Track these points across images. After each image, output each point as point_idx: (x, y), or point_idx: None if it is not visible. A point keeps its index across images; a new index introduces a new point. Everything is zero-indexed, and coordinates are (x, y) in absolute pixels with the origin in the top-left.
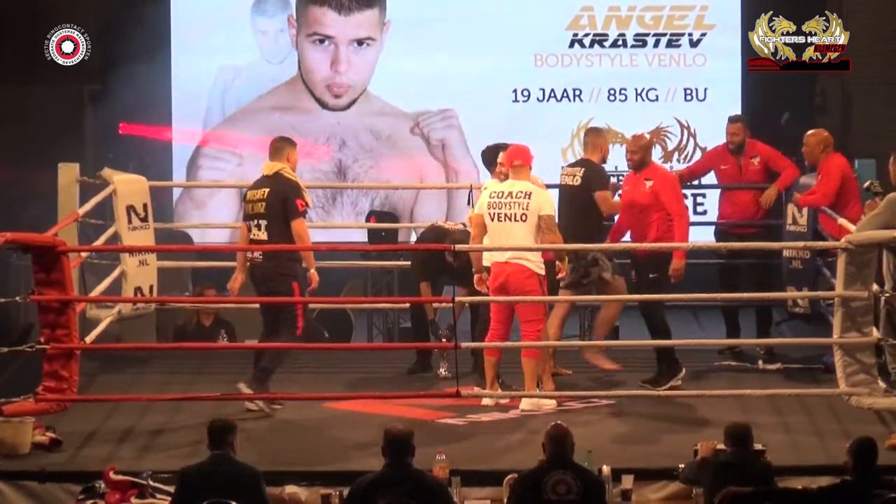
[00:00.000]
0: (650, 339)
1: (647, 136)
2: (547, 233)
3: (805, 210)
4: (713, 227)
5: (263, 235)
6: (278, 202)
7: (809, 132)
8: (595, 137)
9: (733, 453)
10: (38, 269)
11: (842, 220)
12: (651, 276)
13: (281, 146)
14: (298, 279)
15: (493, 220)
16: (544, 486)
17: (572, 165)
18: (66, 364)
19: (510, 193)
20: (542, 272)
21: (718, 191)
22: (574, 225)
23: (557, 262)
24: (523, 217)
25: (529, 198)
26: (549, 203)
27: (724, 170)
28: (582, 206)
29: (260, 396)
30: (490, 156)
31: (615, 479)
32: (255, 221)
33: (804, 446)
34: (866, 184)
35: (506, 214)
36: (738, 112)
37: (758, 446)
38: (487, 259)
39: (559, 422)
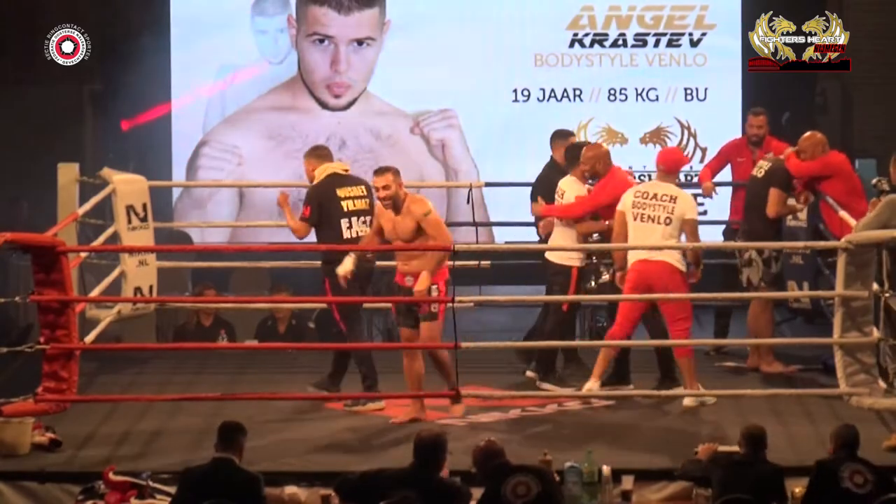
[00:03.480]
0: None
1: (603, 147)
2: (690, 237)
3: (805, 205)
4: (718, 226)
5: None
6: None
7: (804, 136)
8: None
9: (747, 454)
10: (38, 270)
11: (843, 213)
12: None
13: None
14: None
15: (635, 219)
16: (504, 493)
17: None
18: (65, 364)
19: (655, 195)
20: (685, 268)
21: (730, 190)
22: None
23: (692, 267)
24: (667, 220)
25: (675, 202)
26: (693, 208)
27: (740, 163)
28: (759, 200)
29: (249, 397)
30: (573, 154)
31: (615, 479)
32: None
33: (804, 447)
34: (874, 181)
35: (649, 216)
36: (738, 111)
37: None
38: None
39: (489, 438)
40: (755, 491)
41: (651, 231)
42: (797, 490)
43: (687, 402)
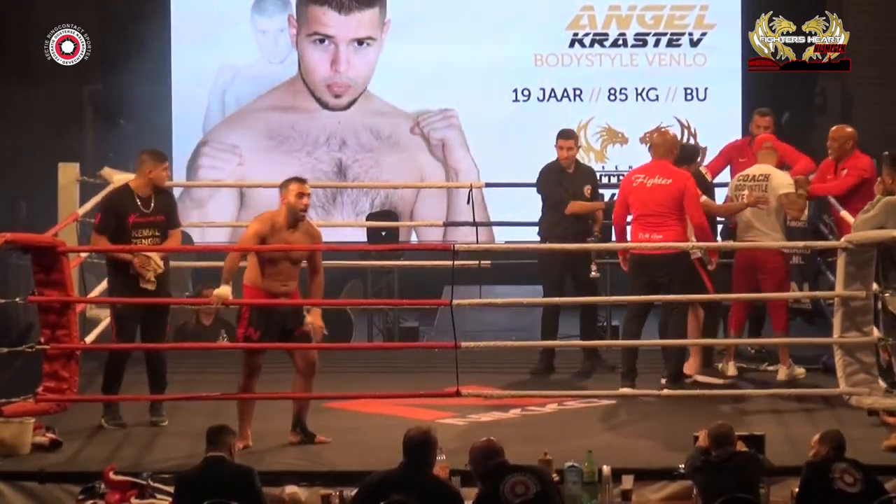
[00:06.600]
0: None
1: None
2: (790, 209)
3: (805, 206)
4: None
5: None
6: None
7: (834, 128)
8: None
9: (719, 454)
10: (38, 270)
11: (844, 213)
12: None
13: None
14: None
15: (737, 200)
16: (502, 492)
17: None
18: (66, 364)
19: (753, 177)
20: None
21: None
22: None
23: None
24: None
25: (767, 180)
26: (787, 182)
27: (741, 163)
28: None
29: (249, 397)
30: (689, 153)
31: (615, 479)
32: None
33: (804, 447)
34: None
35: (745, 196)
36: (738, 111)
37: (757, 432)
38: None
39: (488, 437)
40: (741, 487)
41: (751, 211)
42: (796, 490)
43: (781, 375)
